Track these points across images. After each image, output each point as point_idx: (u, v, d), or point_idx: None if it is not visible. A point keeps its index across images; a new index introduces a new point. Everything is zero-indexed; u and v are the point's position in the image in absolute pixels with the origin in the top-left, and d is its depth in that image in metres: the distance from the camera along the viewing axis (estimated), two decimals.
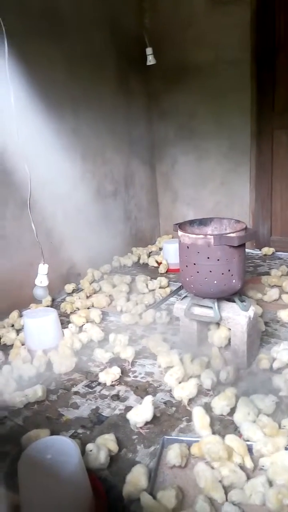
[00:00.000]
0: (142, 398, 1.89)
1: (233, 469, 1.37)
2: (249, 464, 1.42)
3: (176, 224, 2.19)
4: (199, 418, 1.61)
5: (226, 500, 1.32)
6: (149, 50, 3.49)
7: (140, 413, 1.67)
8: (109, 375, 2.00)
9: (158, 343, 2.25)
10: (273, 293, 2.78)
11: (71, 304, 2.91)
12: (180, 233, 2.10)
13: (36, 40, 2.81)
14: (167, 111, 4.12)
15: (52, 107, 2.97)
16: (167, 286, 3.18)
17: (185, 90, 3.91)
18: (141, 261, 3.85)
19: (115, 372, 2.02)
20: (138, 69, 3.85)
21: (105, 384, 2.01)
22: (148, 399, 1.69)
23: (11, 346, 2.42)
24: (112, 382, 2.01)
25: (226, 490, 1.35)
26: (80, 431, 1.74)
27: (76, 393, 2.00)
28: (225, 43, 3.58)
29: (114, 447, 1.56)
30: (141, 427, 1.69)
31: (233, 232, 1.99)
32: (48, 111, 2.94)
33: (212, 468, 1.41)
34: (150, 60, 3.51)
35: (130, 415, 1.69)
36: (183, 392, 1.79)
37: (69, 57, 3.11)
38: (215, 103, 3.79)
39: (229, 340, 2.13)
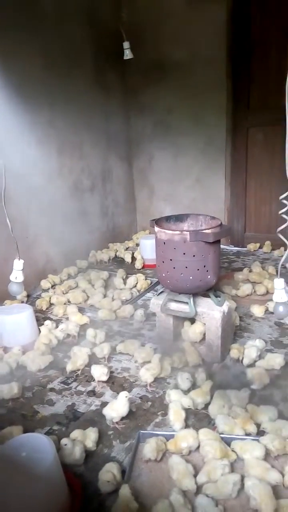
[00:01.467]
0: (118, 393, 1.90)
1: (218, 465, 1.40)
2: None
3: (153, 220, 2.20)
4: (175, 413, 1.64)
5: (199, 492, 1.35)
6: (126, 44, 3.46)
7: (116, 408, 1.68)
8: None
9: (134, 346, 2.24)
10: (246, 288, 2.84)
11: (46, 300, 2.88)
12: (156, 229, 2.11)
13: (12, 32, 2.73)
14: (144, 107, 4.11)
15: (28, 99, 2.91)
16: (145, 281, 3.17)
17: (162, 86, 3.91)
18: (117, 257, 3.84)
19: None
20: (115, 64, 3.82)
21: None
22: (123, 394, 1.70)
23: None
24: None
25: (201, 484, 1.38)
26: (55, 427, 1.73)
27: (52, 389, 1.99)
28: (201, 40, 3.60)
29: (92, 441, 1.57)
30: (117, 422, 1.70)
31: (208, 229, 2.01)
32: (23, 104, 2.88)
33: (186, 461, 1.43)
34: (127, 55, 3.49)
35: (106, 411, 1.69)
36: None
37: (45, 49, 3.05)
38: (192, 100, 3.81)
39: (204, 334, 2.16)
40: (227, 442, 1.51)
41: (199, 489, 1.36)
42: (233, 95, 3.71)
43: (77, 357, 2.09)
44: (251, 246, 3.92)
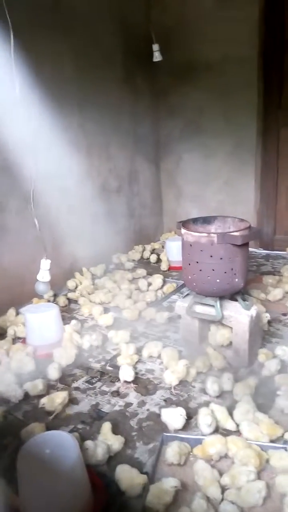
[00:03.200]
0: (142, 395, 1.90)
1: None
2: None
3: (180, 222, 2.18)
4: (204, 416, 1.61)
5: (223, 499, 1.32)
6: (155, 47, 3.47)
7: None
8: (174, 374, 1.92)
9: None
10: (277, 293, 2.77)
11: (64, 298, 2.96)
12: (183, 231, 2.09)
13: (43, 33, 2.80)
14: (173, 108, 4.10)
15: (58, 101, 2.96)
16: (163, 282, 3.15)
17: (192, 86, 3.89)
18: (144, 258, 3.84)
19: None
20: (145, 66, 3.84)
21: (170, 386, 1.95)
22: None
23: (14, 340, 2.42)
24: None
25: (224, 489, 1.35)
26: (79, 426, 1.74)
27: (77, 388, 2.00)
28: (232, 40, 3.55)
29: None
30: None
31: (236, 231, 1.98)
32: (54, 105, 2.93)
33: (212, 467, 1.40)
34: (157, 57, 3.50)
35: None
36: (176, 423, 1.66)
37: (76, 51, 3.10)
38: (222, 100, 3.76)
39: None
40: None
41: (222, 494, 1.33)
42: (264, 94, 3.63)
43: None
44: None
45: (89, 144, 3.39)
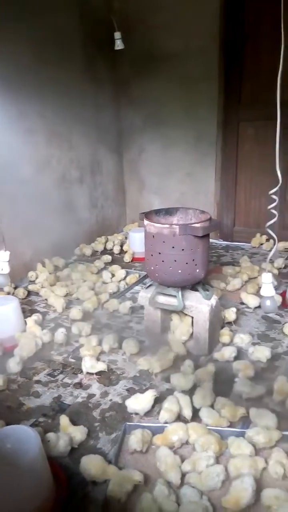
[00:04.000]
0: (105, 386, 1.91)
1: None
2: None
3: (142, 213, 2.19)
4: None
5: (184, 484, 1.36)
6: (117, 35, 3.42)
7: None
8: None
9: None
10: (236, 283, 2.85)
11: (23, 290, 2.90)
12: (146, 222, 2.10)
13: None
14: (135, 98, 4.07)
15: (16, 89, 2.86)
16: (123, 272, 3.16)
17: (154, 77, 3.87)
18: (107, 250, 3.82)
19: None
20: (106, 54, 3.77)
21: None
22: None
23: None
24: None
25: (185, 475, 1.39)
26: (41, 419, 1.72)
27: (38, 382, 1.98)
28: (194, 32, 3.56)
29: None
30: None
31: (198, 223, 2.01)
32: (11, 94, 2.82)
33: (174, 453, 1.44)
34: (119, 45, 3.44)
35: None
36: (139, 405, 1.69)
37: (33, 38, 2.98)
38: (183, 92, 3.78)
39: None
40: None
41: (183, 479, 1.37)
42: (224, 89, 3.69)
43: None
44: (256, 241, 3.83)
45: (50, 133, 3.30)
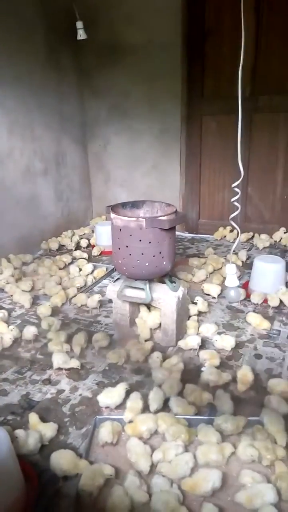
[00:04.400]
0: (74, 381, 1.90)
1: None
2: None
3: (109, 206, 2.18)
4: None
5: (155, 473, 1.39)
6: (79, 24, 3.34)
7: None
8: None
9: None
10: (201, 274, 2.91)
11: None
12: (112, 215, 2.09)
13: None
14: (99, 89, 4.01)
15: None
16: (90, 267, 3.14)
17: (118, 68, 3.84)
18: (73, 243, 3.77)
19: None
20: (69, 43, 3.68)
21: None
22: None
23: None
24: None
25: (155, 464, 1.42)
26: (9, 417, 1.69)
27: (5, 379, 1.94)
28: (157, 25, 3.55)
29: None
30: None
31: (164, 215, 2.03)
32: None
33: (145, 444, 1.47)
34: (81, 35, 3.37)
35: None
36: (110, 399, 1.70)
37: None
38: (147, 85, 3.77)
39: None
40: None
41: (154, 469, 1.40)
42: (187, 83, 3.72)
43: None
44: (218, 234, 3.91)
45: (11, 122, 3.20)
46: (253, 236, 3.79)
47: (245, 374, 1.80)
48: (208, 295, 2.69)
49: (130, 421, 1.57)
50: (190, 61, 3.65)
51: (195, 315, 2.40)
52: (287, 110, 3.49)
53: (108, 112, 4.07)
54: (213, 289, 2.65)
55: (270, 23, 3.32)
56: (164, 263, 2.10)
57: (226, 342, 2.08)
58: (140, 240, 2.02)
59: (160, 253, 2.06)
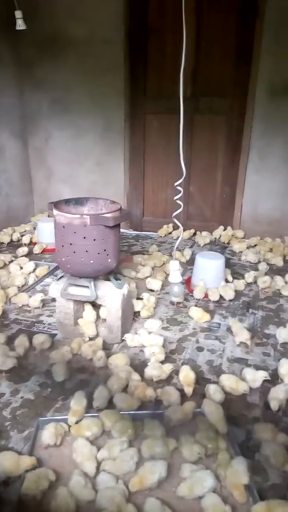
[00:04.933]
0: (15, 383, 1.83)
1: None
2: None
3: (51, 202, 2.12)
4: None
5: (100, 471, 1.38)
6: (18, 14, 3.19)
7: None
8: None
9: None
10: (145, 271, 2.95)
11: None
12: (55, 212, 2.04)
13: None
14: (40, 82, 3.88)
15: None
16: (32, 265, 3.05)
17: (60, 62, 3.74)
18: (13, 241, 3.62)
19: None
20: (7, 33, 3.52)
21: None
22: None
23: None
24: None
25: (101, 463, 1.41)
26: None
27: None
28: (100, 19, 3.51)
29: None
30: None
31: (109, 213, 2.02)
32: None
33: (91, 443, 1.45)
34: (20, 25, 3.22)
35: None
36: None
37: None
38: (90, 80, 3.72)
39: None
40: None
41: (100, 466, 1.39)
42: (130, 80, 3.72)
43: None
44: (162, 232, 3.96)
45: None
46: (195, 234, 3.91)
47: (186, 375, 1.81)
48: (152, 290, 2.73)
49: (75, 422, 1.55)
50: (132, 58, 3.66)
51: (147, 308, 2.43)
52: (226, 113, 3.64)
53: (50, 106, 3.96)
54: (154, 284, 2.69)
55: (210, 27, 3.43)
56: (109, 260, 2.10)
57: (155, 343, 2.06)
58: (84, 238, 1.99)
59: (105, 250, 2.05)
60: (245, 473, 1.31)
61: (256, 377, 1.81)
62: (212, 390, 1.73)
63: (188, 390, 1.77)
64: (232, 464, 1.36)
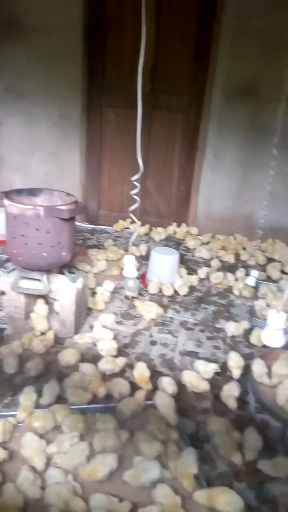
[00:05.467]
0: None
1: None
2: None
3: (2, 192, 2.04)
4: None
5: (50, 465, 1.36)
6: None
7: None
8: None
9: None
10: (100, 265, 2.93)
11: None
12: (6, 202, 1.97)
13: None
14: None
15: None
16: None
17: (15, 47, 3.58)
18: None
19: None
20: None
21: None
22: None
23: None
24: None
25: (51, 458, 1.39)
26: None
27: None
28: (58, 7, 3.41)
29: None
30: None
31: (64, 205, 1.98)
32: None
33: (40, 438, 1.42)
34: None
35: None
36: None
37: None
38: (47, 69, 3.61)
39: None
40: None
41: (50, 461, 1.37)
42: (88, 72, 3.65)
43: None
44: (118, 226, 3.94)
45: None
46: (151, 229, 3.94)
47: (141, 374, 1.81)
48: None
49: (24, 417, 1.51)
50: (91, 50, 3.59)
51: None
52: (184, 111, 3.68)
53: (3, 92, 3.79)
54: (111, 279, 2.68)
55: (170, 26, 3.45)
56: (63, 253, 2.05)
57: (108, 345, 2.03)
58: (37, 230, 1.94)
59: (59, 243, 2.01)
60: (194, 463, 1.35)
61: (207, 370, 1.87)
62: (164, 382, 1.75)
63: (143, 384, 1.77)
64: (182, 454, 1.39)
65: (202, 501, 1.27)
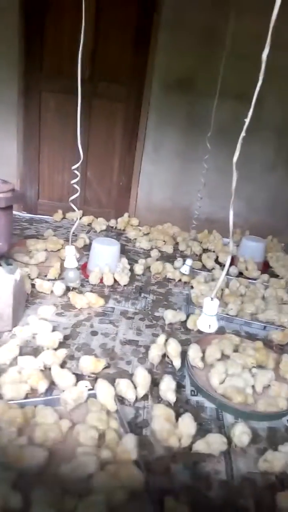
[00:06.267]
0: None
1: None
2: None
3: None
4: None
5: None
6: None
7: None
8: None
9: None
10: (39, 256, 2.85)
11: None
12: None
13: None
14: None
15: None
16: None
17: None
18: None
19: None
20: None
21: None
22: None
23: None
24: None
25: None
26: None
27: None
28: None
29: None
30: None
31: (0, 193, 1.90)
32: None
33: None
34: None
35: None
36: None
37: None
38: None
39: None
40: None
41: None
42: (25, 54, 3.48)
43: None
44: (57, 216, 3.87)
45: None
46: (93, 220, 3.91)
47: (94, 363, 1.84)
48: (46, 276, 2.67)
49: None
50: (28, 32, 3.42)
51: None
52: (124, 101, 3.66)
53: None
54: (46, 285, 2.59)
55: (111, 11, 3.39)
56: (0, 244, 1.97)
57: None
58: None
59: None
60: (134, 449, 1.40)
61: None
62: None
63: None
64: (122, 441, 1.43)
65: None
